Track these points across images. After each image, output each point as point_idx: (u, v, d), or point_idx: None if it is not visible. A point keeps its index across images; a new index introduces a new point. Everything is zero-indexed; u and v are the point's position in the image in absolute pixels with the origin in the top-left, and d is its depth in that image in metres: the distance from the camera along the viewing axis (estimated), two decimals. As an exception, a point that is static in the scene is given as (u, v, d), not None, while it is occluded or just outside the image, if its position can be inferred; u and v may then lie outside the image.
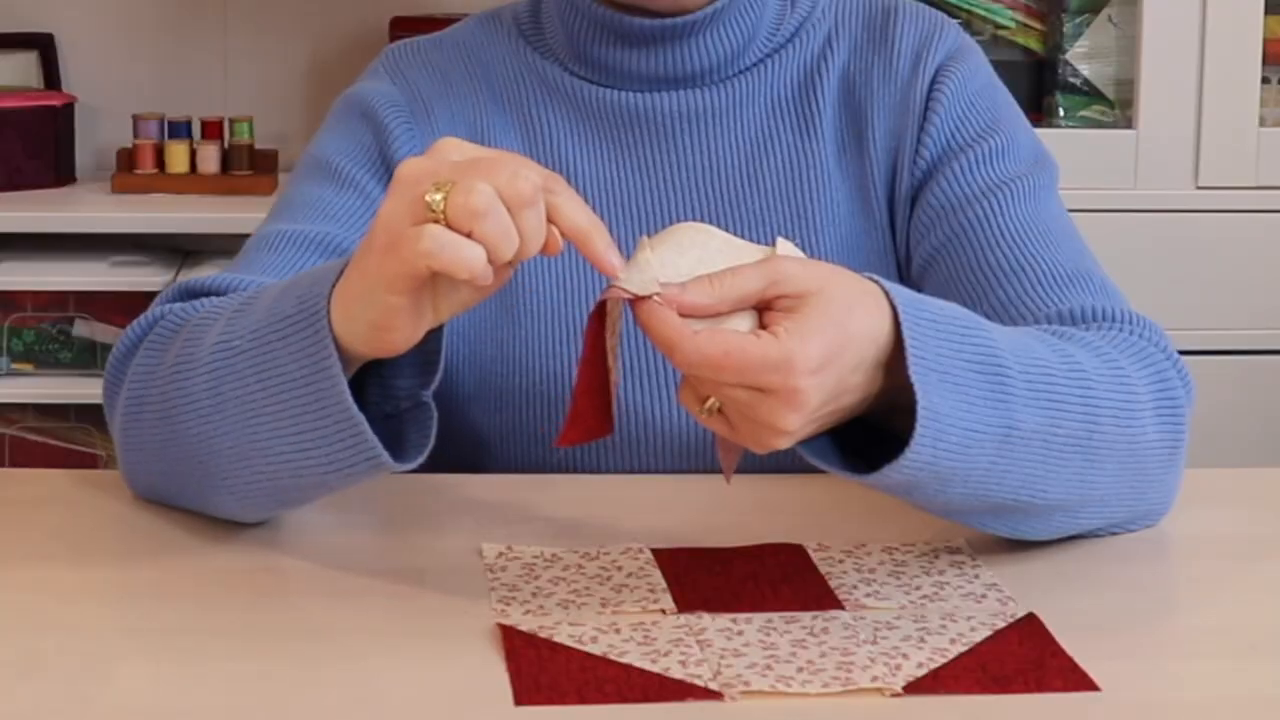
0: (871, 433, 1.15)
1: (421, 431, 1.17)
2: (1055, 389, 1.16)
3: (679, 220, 1.46)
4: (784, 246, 1.11)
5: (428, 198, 1.05)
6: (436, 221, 1.05)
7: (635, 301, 1.06)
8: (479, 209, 1.04)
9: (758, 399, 1.05)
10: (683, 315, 1.05)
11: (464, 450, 1.45)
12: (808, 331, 1.05)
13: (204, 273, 1.37)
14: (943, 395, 1.09)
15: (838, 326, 1.06)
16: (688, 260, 1.08)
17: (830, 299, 1.07)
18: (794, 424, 1.06)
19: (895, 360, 1.09)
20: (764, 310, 1.07)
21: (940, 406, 1.09)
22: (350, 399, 1.12)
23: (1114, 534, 1.27)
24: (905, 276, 1.46)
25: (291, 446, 1.16)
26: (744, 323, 1.07)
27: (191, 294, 1.34)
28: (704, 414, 1.08)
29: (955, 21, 1.53)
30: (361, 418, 1.12)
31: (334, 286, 1.13)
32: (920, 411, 1.08)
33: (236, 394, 1.17)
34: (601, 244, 1.07)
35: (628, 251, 1.09)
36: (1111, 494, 1.22)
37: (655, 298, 1.05)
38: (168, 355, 1.24)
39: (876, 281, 1.11)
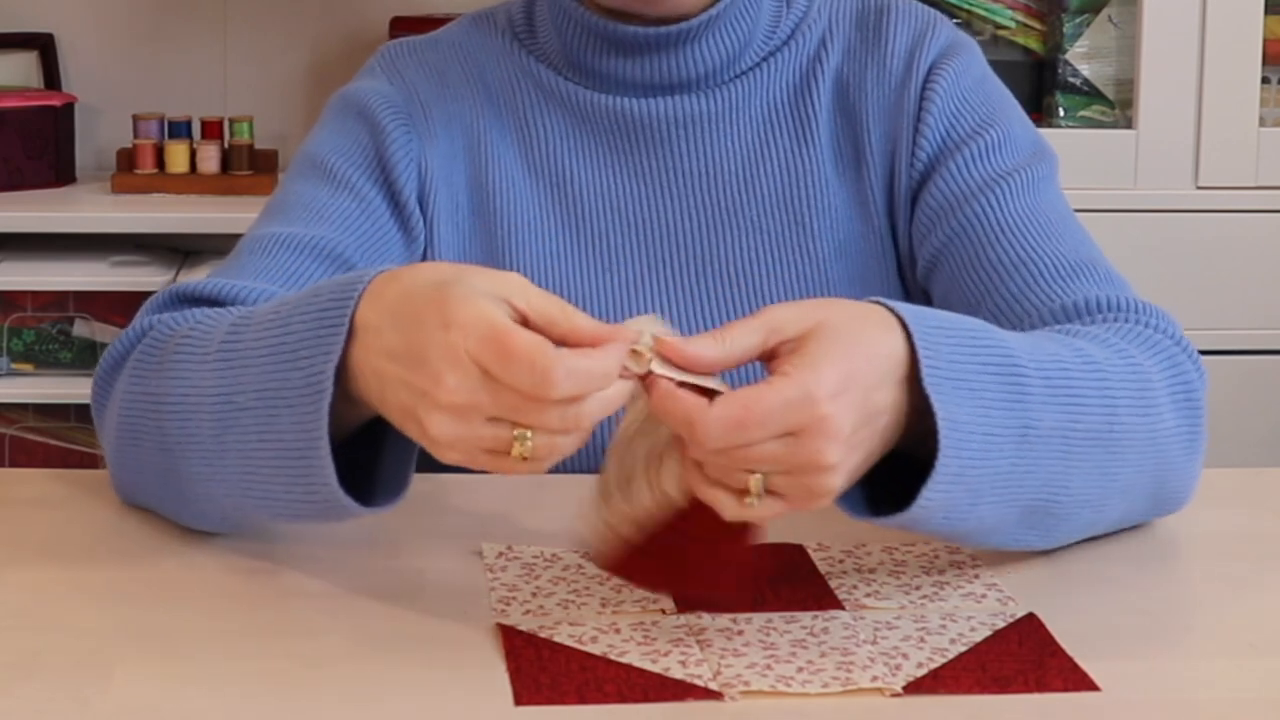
0: (887, 478, 1.13)
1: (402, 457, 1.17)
2: (1072, 385, 1.15)
3: (677, 227, 1.46)
4: (641, 323, 1.07)
5: (517, 445, 1.03)
6: (519, 454, 1.03)
7: (648, 380, 1.03)
8: (562, 455, 1.04)
9: (792, 445, 1.02)
10: (689, 368, 1.03)
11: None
12: (816, 360, 1.03)
13: (202, 274, 1.36)
14: (958, 402, 1.08)
15: (846, 349, 1.04)
16: None
17: (832, 327, 1.05)
18: (835, 454, 1.03)
19: (914, 375, 1.08)
20: (769, 360, 1.06)
21: (958, 415, 1.07)
22: (335, 483, 1.11)
23: (1135, 527, 1.26)
24: (908, 279, 1.46)
25: (287, 512, 1.16)
26: (713, 382, 1.04)
27: (182, 300, 1.33)
28: (752, 503, 1.04)
29: (949, 19, 1.52)
30: (347, 499, 1.12)
31: (343, 355, 1.10)
32: (940, 423, 1.06)
33: (239, 447, 1.16)
34: (619, 346, 1.04)
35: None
36: (1134, 484, 1.21)
37: (653, 369, 1.03)
38: (157, 383, 1.23)
39: (879, 302, 1.09)
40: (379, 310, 1.09)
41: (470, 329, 1.03)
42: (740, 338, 1.05)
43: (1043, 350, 1.16)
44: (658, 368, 1.04)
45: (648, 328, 1.05)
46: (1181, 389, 1.24)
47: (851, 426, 1.04)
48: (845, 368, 1.04)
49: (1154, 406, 1.21)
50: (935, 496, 1.08)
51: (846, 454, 1.04)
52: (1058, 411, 1.13)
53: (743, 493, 1.04)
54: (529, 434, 1.03)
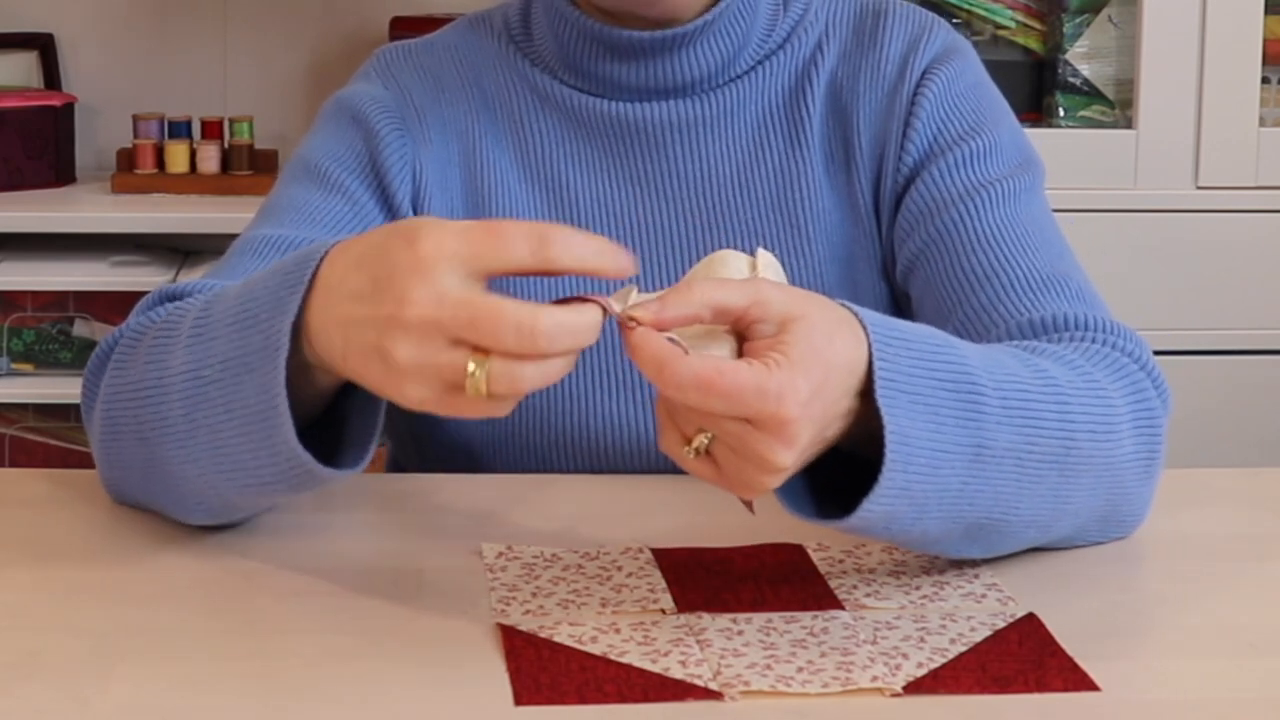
0: (838, 471, 1.13)
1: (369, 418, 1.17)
2: (1030, 405, 1.14)
3: (672, 231, 1.46)
4: (764, 258, 1.10)
5: (472, 371, 1.02)
6: (474, 388, 1.03)
7: (623, 325, 1.04)
8: (521, 391, 1.03)
9: (748, 433, 1.02)
10: (665, 328, 1.03)
11: (456, 461, 1.45)
12: (795, 362, 1.02)
13: (202, 274, 1.36)
14: (912, 417, 1.07)
15: (820, 357, 1.04)
16: None
17: (811, 327, 1.04)
18: (787, 460, 1.03)
19: (870, 385, 1.07)
20: (742, 337, 1.05)
21: (909, 430, 1.07)
22: (295, 442, 1.10)
23: (1086, 545, 1.26)
24: (893, 282, 1.45)
25: (255, 480, 1.16)
26: (725, 349, 1.05)
27: (171, 300, 1.32)
28: (690, 454, 1.05)
29: (947, 23, 1.51)
30: (308, 456, 1.11)
31: (301, 314, 1.10)
32: (889, 436, 1.06)
33: (208, 422, 1.16)
34: (612, 266, 1.04)
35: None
36: (1085, 507, 1.20)
37: (631, 322, 1.03)
38: (134, 373, 1.23)
39: (849, 308, 1.09)
40: (343, 264, 1.09)
41: (441, 232, 1.03)
42: (721, 294, 1.04)
43: (1003, 368, 1.14)
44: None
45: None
46: (1143, 415, 1.23)
47: (809, 437, 1.04)
48: (818, 378, 1.03)
49: (1113, 431, 1.19)
50: (876, 508, 1.07)
51: (795, 460, 1.04)
52: (1012, 432, 1.12)
53: (688, 440, 1.05)
54: (484, 364, 1.02)
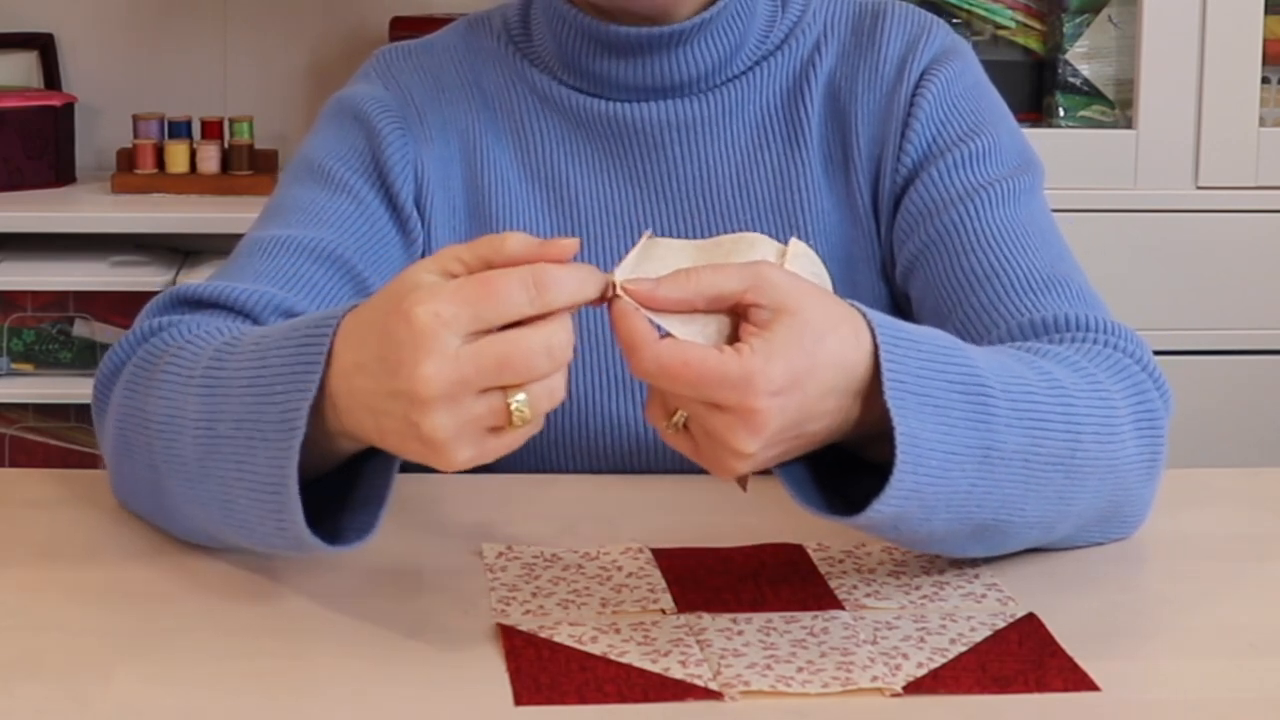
0: (848, 470, 1.13)
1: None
2: (1037, 408, 1.14)
3: (671, 231, 1.46)
4: (796, 247, 1.10)
5: (514, 407, 1.02)
6: (520, 419, 1.03)
7: (608, 300, 1.04)
8: (560, 398, 1.04)
9: (715, 416, 1.03)
10: (655, 309, 1.03)
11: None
12: (773, 351, 1.02)
13: (203, 274, 1.36)
14: (922, 419, 1.07)
15: (805, 350, 1.03)
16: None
17: (804, 320, 1.04)
18: (751, 446, 1.03)
19: (876, 389, 1.07)
20: (739, 319, 1.05)
21: (919, 432, 1.06)
22: (303, 523, 1.09)
23: (1088, 545, 1.26)
24: (893, 283, 1.45)
25: (262, 543, 1.14)
26: (711, 327, 1.04)
27: (183, 302, 1.33)
28: (670, 429, 1.06)
29: (946, 23, 1.50)
30: (315, 540, 1.10)
31: (321, 390, 1.09)
32: (899, 438, 1.05)
33: (220, 474, 1.14)
34: (595, 293, 1.04)
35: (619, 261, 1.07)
36: (1089, 508, 1.20)
37: (620, 294, 1.03)
38: (148, 403, 1.21)
39: (856, 307, 1.08)
40: (352, 343, 1.07)
41: (432, 301, 1.02)
42: (719, 280, 1.04)
43: (1009, 371, 1.14)
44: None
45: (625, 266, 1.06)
46: (1145, 415, 1.23)
47: (779, 426, 1.03)
48: (799, 367, 1.03)
49: (1116, 433, 1.19)
50: (887, 509, 1.07)
51: (763, 448, 1.04)
52: (1021, 434, 1.12)
53: (670, 414, 1.06)
54: (521, 394, 1.02)
